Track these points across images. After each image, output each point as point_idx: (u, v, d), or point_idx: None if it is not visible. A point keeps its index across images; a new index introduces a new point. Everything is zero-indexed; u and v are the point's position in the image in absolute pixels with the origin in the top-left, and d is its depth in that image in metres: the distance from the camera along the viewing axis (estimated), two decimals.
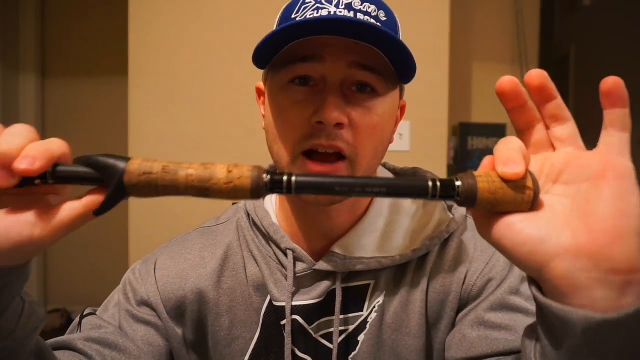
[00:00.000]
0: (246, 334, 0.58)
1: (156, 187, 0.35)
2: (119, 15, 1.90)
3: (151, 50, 1.57)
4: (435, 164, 1.53)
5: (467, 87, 2.36)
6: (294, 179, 0.34)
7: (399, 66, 0.50)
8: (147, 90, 1.58)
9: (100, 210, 0.34)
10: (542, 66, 2.55)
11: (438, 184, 0.34)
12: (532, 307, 0.52)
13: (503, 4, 2.40)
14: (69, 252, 2.85)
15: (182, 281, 0.59)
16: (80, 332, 0.54)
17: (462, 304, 0.55)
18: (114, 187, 0.34)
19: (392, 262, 0.55)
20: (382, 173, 0.62)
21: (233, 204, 0.68)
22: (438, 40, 1.53)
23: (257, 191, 0.34)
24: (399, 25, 0.54)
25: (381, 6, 0.50)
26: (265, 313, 0.57)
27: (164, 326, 0.57)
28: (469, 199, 0.34)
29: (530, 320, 0.49)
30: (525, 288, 0.53)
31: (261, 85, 0.58)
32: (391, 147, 0.56)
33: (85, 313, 0.57)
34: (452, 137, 2.32)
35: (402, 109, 0.59)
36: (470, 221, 0.59)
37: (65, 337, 0.52)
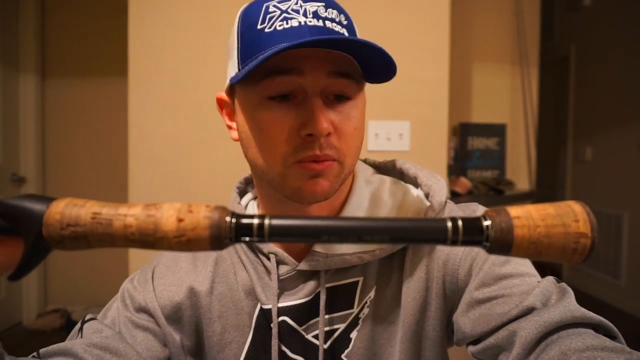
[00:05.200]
0: (239, 338, 0.59)
1: (87, 241, 0.28)
2: (119, 15, 1.90)
3: (151, 50, 1.57)
4: (435, 164, 1.53)
5: (467, 87, 2.36)
6: (266, 222, 0.27)
7: (366, 66, 0.51)
8: (147, 90, 1.57)
9: (16, 275, 0.27)
10: (542, 66, 2.55)
11: (460, 224, 0.26)
12: (526, 267, 0.52)
13: (503, 4, 2.40)
14: (69, 251, 2.85)
15: (177, 288, 0.60)
16: (81, 337, 0.54)
17: (451, 287, 0.55)
18: (31, 245, 0.27)
19: (372, 257, 0.55)
20: (362, 169, 0.62)
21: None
22: (438, 40, 1.52)
23: (218, 242, 0.27)
24: (354, 24, 0.55)
25: (341, 10, 0.52)
26: (257, 317, 0.58)
27: (162, 332, 0.58)
28: (501, 246, 0.26)
29: (527, 280, 0.50)
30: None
31: (223, 95, 0.58)
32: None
33: (86, 318, 0.57)
34: (452, 137, 2.32)
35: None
36: (450, 205, 0.59)
37: (66, 344, 0.52)
